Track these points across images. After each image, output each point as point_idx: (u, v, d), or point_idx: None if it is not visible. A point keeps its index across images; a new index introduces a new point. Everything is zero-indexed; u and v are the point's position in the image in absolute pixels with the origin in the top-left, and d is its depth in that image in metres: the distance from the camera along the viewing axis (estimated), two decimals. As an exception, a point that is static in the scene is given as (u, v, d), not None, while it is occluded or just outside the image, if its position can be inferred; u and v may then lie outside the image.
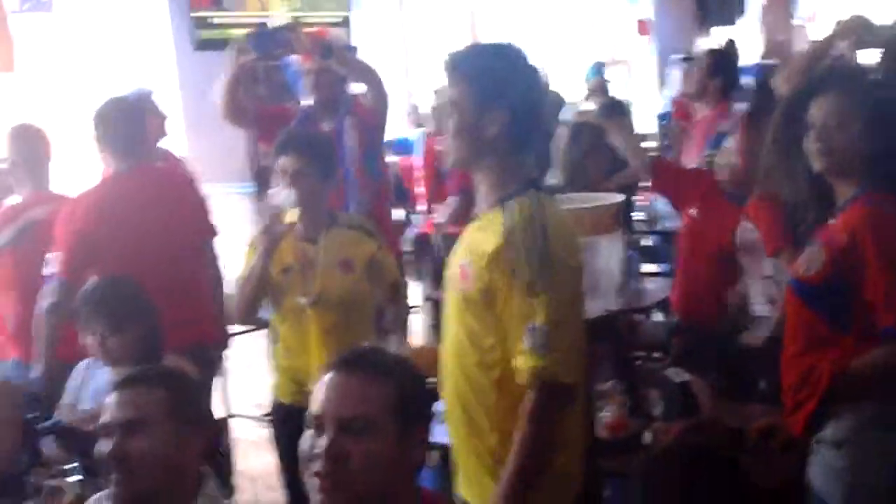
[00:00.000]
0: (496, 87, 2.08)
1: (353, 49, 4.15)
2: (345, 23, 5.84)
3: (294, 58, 4.14)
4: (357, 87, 4.09)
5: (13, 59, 4.87)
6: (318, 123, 4.00)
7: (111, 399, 2.09)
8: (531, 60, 2.16)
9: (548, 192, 2.21)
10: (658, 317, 4.16)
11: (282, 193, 3.18)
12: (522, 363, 2.03)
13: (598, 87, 7.42)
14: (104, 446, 2.05)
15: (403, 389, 1.73)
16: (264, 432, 3.70)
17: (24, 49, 5.06)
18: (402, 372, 1.78)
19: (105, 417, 2.08)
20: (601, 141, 4.06)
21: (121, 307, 3.22)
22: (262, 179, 5.53)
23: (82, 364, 3.50)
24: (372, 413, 1.66)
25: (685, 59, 7.84)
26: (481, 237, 2.10)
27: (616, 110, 4.51)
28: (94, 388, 3.46)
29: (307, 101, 4.10)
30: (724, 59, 5.07)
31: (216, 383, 3.86)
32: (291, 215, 3.10)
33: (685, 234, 3.63)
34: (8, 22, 4.84)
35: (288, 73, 4.13)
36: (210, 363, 3.67)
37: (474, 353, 2.14)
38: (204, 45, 5.31)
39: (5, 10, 4.82)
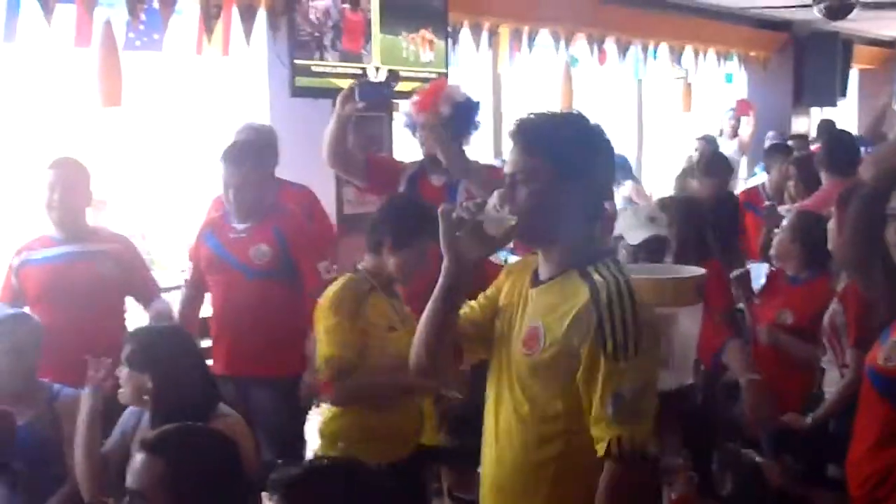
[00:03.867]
0: (576, 159, 2.08)
1: (476, 105, 4.15)
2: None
3: (406, 110, 4.18)
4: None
5: (121, 95, 5.02)
6: (428, 178, 4.02)
7: (132, 464, 2.05)
8: (602, 130, 2.17)
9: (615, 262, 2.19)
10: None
11: None
12: (603, 432, 1.98)
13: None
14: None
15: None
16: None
17: (131, 85, 5.22)
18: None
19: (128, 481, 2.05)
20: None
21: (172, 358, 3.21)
22: (346, 225, 5.63)
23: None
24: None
25: (779, 144, 7.84)
26: (557, 301, 2.09)
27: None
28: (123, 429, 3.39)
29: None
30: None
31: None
32: None
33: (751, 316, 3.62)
34: (119, 58, 5.00)
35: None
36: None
37: (533, 424, 2.10)
38: (300, 92, 5.42)
39: (117, 46, 4.98)
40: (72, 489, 3.28)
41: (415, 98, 4.15)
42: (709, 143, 8.08)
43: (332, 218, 5.59)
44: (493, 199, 2.24)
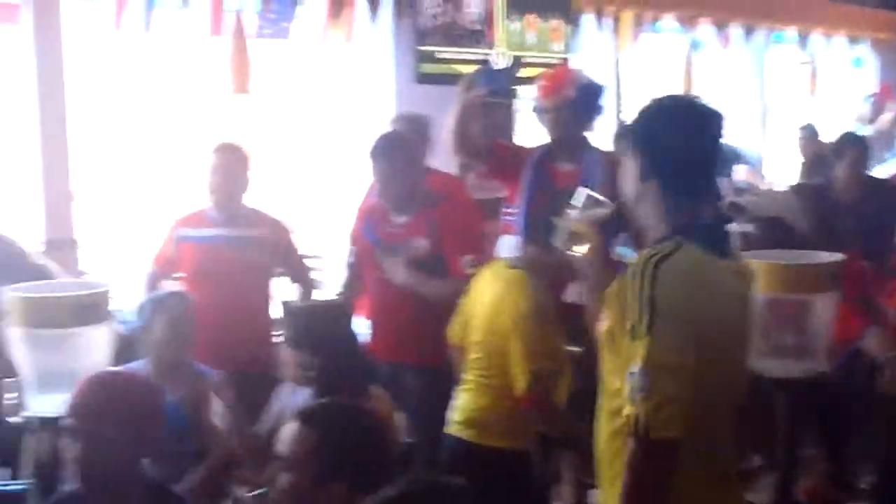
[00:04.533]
0: (658, 145, 2.14)
1: (601, 89, 4.12)
2: (564, 64, 5.91)
3: (530, 95, 4.16)
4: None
5: (249, 83, 5.15)
6: (553, 164, 4.01)
7: (282, 432, 2.14)
8: (702, 118, 2.18)
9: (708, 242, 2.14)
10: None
11: None
12: (626, 409, 2.01)
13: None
14: (271, 472, 2.12)
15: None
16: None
17: (259, 73, 5.34)
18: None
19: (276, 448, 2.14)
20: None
21: (300, 329, 3.34)
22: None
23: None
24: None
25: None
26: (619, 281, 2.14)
27: None
28: (298, 402, 3.55)
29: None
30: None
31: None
32: None
33: None
34: (248, 46, 5.13)
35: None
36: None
37: (606, 398, 2.17)
38: (425, 79, 5.47)
39: (246, 34, 5.12)
40: (209, 467, 3.40)
41: (541, 82, 4.14)
42: (811, 134, 7.81)
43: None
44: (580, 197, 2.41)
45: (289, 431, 2.08)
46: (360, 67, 5.87)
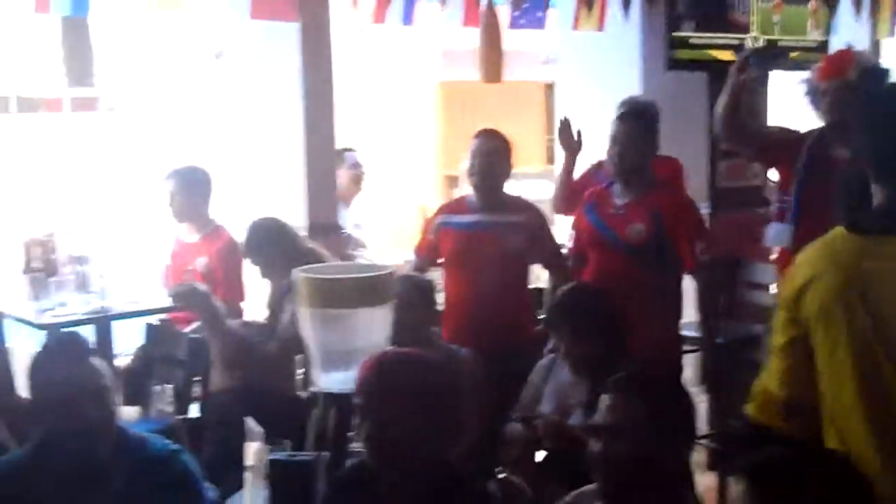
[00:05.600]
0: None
1: (886, 72, 3.96)
2: (821, 48, 5.68)
3: (807, 77, 4.05)
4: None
5: (502, 72, 5.22)
6: (828, 148, 3.88)
7: (602, 402, 2.21)
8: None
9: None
10: None
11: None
12: None
13: None
14: (594, 445, 2.18)
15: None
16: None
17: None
18: None
19: (595, 418, 2.21)
20: None
21: (583, 316, 3.42)
22: (718, 201, 5.55)
23: (544, 361, 3.73)
24: None
25: None
26: None
27: None
28: (554, 386, 3.65)
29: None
30: None
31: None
32: None
33: None
34: (501, 36, 5.20)
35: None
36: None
37: None
38: (676, 65, 5.38)
39: (501, 24, 5.19)
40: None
41: (820, 64, 4.00)
42: None
43: (704, 193, 5.53)
44: None
45: (611, 402, 2.18)
46: (607, 54, 5.84)
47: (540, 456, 3.45)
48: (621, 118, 4.10)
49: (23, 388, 2.66)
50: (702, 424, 4.60)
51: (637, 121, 4.09)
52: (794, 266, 2.06)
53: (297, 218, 4.82)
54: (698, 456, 4.37)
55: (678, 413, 2.21)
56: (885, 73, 3.88)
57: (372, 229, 6.12)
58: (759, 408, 2.06)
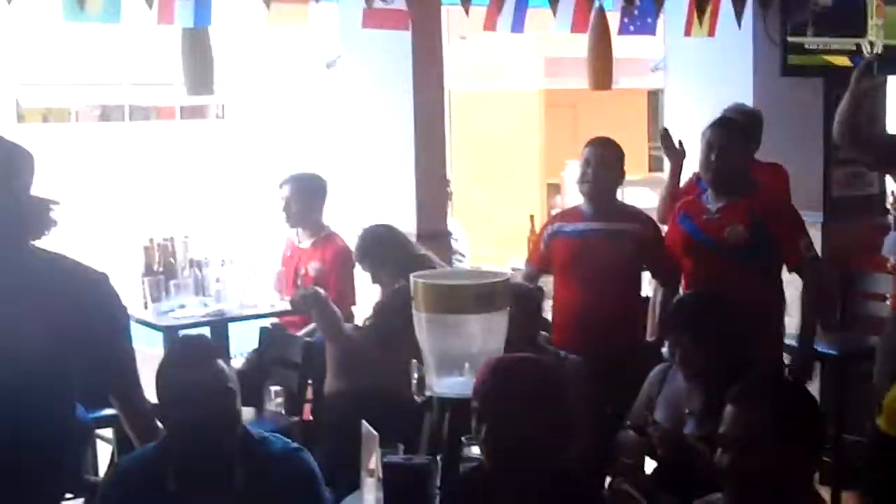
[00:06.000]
0: None
1: None
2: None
3: None
4: None
5: (611, 79, 5.20)
6: None
7: (726, 412, 2.18)
8: None
9: None
10: None
11: None
12: None
13: None
14: (722, 457, 2.15)
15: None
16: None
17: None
18: None
19: (721, 428, 2.18)
20: None
21: (706, 324, 3.40)
22: (833, 210, 5.44)
23: (659, 368, 3.71)
24: None
25: None
26: None
27: None
28: (667, 394, 3.63)
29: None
30: None
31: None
32: None
33: None
34: (611, 42, 5.18)
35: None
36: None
37: None
38: (791, 71, 5.30)
39: (610, 30, 5.17)
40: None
41: None
42: None
43: (819, 202, 5.44)
44: None
45: (738, 412, 2.15)
46: (719, 61, 5.78)
47: (651, 465, 3.43)
48: (711, 126, 4.11)
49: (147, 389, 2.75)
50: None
51: (722, 128, 4.09)
52: None
53: (407, 225, 4.88)
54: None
55: (808, 422, 2.17)
56: None
57: (477, 237, 6.16)
58: (890, 420, 2.03)
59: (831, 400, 4.56)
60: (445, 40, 5.50)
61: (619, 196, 4.37)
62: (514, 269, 4.76)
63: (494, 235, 8.34)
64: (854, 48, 5.34)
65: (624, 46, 5.73)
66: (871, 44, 5.49)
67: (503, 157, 10.50)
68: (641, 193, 6.21)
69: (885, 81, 5.38)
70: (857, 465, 3.61)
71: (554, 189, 13.24)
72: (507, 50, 10.38)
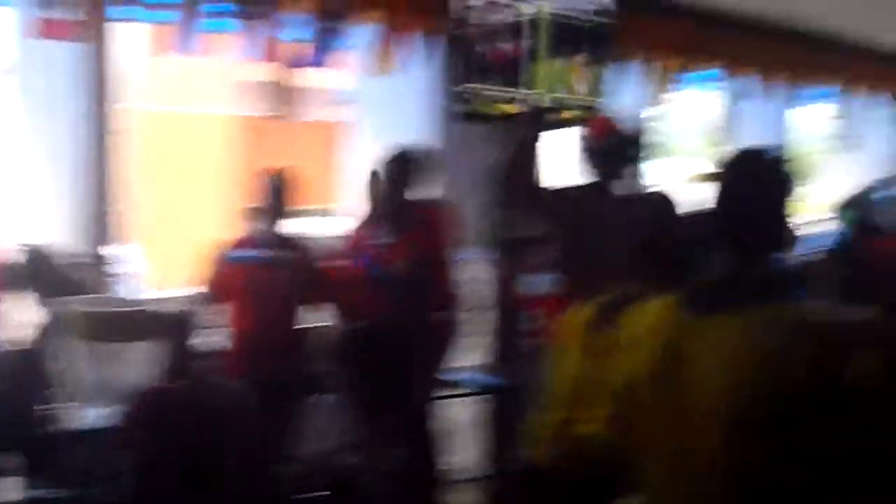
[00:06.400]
0: None
1: (639, 135, 4.22)
2: (591, 108, 5.92)
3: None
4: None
5: (297, 110, 5.21)
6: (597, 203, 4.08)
7: None
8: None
9: None
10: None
11: None
12: None
13: None
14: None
15: None
16: None
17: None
18: None
19: None
20: None
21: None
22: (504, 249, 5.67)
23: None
24: None
25: None
26: None
27: None
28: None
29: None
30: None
31: None
32: None
33: None
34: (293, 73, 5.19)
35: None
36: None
37: None
38: (467, 116, 5.50)
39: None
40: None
41: (591, 125, 4.23)
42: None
43: (491, 241, 5.67)
44: None
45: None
46: (402, 99, 5.93)
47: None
48: (383, 161, 4.40)
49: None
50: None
51: (391, 164, 4.38)
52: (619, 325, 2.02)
53: (69, 245, 4.62)
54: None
55: None
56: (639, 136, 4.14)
57: (161, 260, 5.96)
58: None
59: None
60: (135, 57, 5.30)
61: (299, 224, 4.43)
62: (191, 295, 4.63)
63: (177, 259, 8.12)
64: (525, 98, 5.65)
65: (317, 77, 5.76)
66: (540, 95, 5.83)
67: (191, 180, 10.26)
68: (325, 222, 6.26)
69: (543, 132, 5.70)
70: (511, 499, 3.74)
71: (242, 214, 13.09)
72: (202, 72, 10.18)
